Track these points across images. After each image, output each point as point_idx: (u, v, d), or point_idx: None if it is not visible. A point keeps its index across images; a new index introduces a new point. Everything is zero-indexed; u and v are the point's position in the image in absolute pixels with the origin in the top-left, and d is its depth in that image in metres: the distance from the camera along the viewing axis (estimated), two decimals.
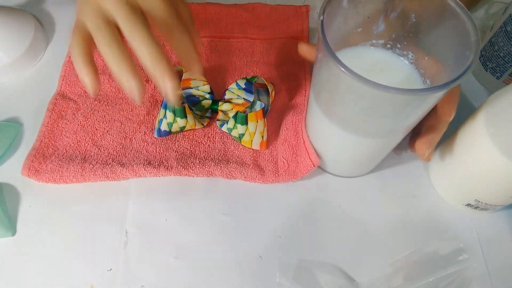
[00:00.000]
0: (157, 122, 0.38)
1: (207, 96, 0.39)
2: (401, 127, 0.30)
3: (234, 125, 0.37)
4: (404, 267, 0.34)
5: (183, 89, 0.39)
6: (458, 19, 0.26)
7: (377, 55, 0.33)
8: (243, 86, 0.39)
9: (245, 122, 0.36)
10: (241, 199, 0.37)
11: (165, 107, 0.37)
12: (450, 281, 0.32)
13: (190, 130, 0.39)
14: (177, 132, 0.39)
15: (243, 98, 0.39)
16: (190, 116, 0.37)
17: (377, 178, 0.39)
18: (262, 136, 0.37)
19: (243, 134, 0.37)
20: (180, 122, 0.37)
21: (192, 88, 0.39)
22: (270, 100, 0.40)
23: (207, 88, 0.39)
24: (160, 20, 0.27)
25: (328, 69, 0.26)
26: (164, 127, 0.37)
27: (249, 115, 0.36)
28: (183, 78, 0.39)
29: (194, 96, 0.40)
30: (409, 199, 0.37)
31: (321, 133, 0.34)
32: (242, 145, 0.39)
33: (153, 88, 0.42)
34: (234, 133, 0.37)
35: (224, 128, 0.38)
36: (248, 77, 0.39)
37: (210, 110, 0.40)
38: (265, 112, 0.39)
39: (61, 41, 0.46)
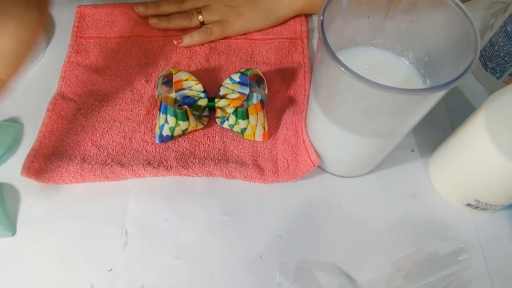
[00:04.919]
0: (157, 128, 0.38)
1: (202, 95, 0.39)
2: (401, 127, 0.30)
3: (236, 120, 0.37)
4: (404, 267, 0.34)
5: (177, 91, 0.39)
6: (458, 19, 0.26)
7: (377, 55, 0.33)
8: (238, 80, 0.39)
9: (246, 116, 0.37)
10: (241, 199, 0.37)
11: (165, 112, 0.36)
12: (450, 281, 0.32)
13: (191, 131, 0.39)
14: (179, 136, 0.38)
15: (238, 92, 0.39)
16: (192, 118, 0.37)
17: (377, 178, 0.39)
18: (264, 127, 0.38)
19: (245, 129, 0.37)
20: (183, 125, 0.37)
21: (185, 89, 0.39)
22: (266, 91, 0.40)
23: (200, 87, 0.39)
24: None
25: (328, 69, 0.26)
26: (166, 132, 0.37)
27: (249, 109, 0.36)
28: (174, 80, 0.38)
29: (189, 96, 0.39)
30: (409, 199, 0.37)
31: (321, 133, 0.35)
32: (242, 145, 0.39)
33: (152, 88, 0.42)
34: (236, 128, 0.37)
35: (226, 125, 0.38)
36: (242, 70, 0.39)
37: (207, 108, 0.40)
38: (262, 103, 0.39)
39: (61, 41, 0.46)
